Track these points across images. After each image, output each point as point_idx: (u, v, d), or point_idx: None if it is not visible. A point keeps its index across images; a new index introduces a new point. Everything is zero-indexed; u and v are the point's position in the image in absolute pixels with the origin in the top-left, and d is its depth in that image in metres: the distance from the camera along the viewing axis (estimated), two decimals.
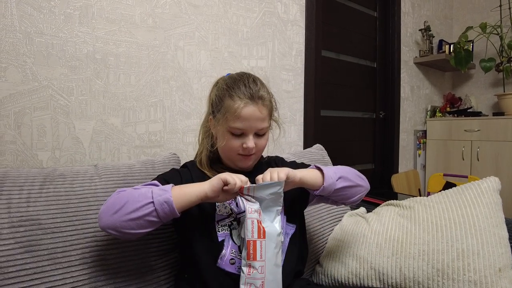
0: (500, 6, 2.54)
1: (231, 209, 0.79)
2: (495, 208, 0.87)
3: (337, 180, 0.80)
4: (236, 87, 0.80)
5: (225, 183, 0.69)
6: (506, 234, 0.84)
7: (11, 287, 0.63)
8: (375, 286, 0.88)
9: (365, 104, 2.38)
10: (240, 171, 0.80)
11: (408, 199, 1.05)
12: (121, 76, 1.18)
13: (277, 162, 0.98)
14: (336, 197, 0.83)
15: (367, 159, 2.42)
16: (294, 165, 0.96)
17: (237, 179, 0.69)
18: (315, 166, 0.83)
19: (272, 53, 1.64)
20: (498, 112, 2.52)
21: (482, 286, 0.76)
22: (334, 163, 1.37)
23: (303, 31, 1.78)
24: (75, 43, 1.08)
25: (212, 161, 0.87)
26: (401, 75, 2.50)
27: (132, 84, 1.21)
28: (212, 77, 1.40)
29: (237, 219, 0.78)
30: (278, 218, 0.72)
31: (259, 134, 0.81)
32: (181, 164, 1.01)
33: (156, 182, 0.75)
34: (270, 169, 0.75)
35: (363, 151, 2.38)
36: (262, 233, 0.67)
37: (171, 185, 0.70)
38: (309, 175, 0.79)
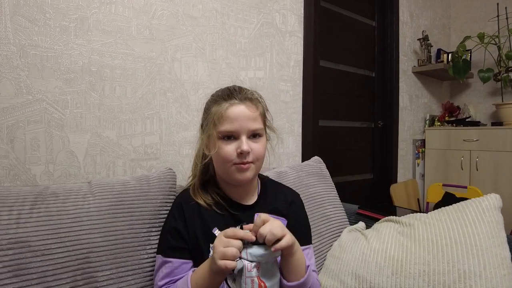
0: (498, 16, 2.55)
1: None
2: (496, 227, 0.85)
3: None
4: (221, 93, 0.79)
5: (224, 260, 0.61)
6: (508, 255, 0.82)
7: None
8: None
9: (363, 114, 2.37)
10: (241, 206, 0.77)
11: (407, 215, 1.04)
12: (117, 88, 1.17)
13: (292, 201, 0.88)
14: None
15: (365, 169, 2.41)
16: (306, 222, 0.90)
17: (230, 250, 0.60)
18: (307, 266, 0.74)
19: (270, 64, 1.63)
20: (497, 122, 2.52)
21: None
22: (333, 174, 1.36)
23: (301, 42, 1.78)
24: (71, 56, 1.07)
25: (207, 185, 0.83)
26: (400, 84, 2.50)
27: (128, 96, 1.19)
28: (210, 88, 1.39)
29: None
30: (276, 264, 0.67)
31: (253, 138, 0.76)
32: (176, 179, 0.99)
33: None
34: (277, 224, 0.64)
35: (362, 161, 2.37)
36: None
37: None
38: (299, 263, 0.71)
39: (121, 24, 1.17)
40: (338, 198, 1.27)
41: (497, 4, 2.57)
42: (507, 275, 0.78)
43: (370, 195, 2.40)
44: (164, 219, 0.85)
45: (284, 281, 0.69)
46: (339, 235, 1.13)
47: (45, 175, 1.04)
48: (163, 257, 0.74)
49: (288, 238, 0.64)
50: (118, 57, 1.16)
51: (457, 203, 0.98)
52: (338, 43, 2.14)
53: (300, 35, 1.77)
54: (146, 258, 0.81)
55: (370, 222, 1.20)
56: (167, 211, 0.87)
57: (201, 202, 0.78)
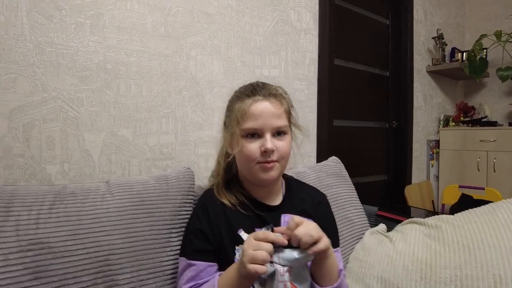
0: None
1: None
2: None
3: None
4: (244, 89, 0.76)
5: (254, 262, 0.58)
6: None
7: None
8: None
9: (377, 114, 2.33)
10: (267, 207, 0.74)
11: (433, 217, 1.00)
12: (132, 86, 1.15)
13: (319, 202, 0.84)
14: None
15: (379, 170, 2.36)
16: (333, 223, 0.86)
17: (261, 254, 0.57)
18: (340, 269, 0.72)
19: (285, 62, 1.60)
20: None
21: None
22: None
23: (316, 40, 1.75)
24: (86, 53, 1.05)
25: (230, 184, 0.80)
26: (414, 84, 2.45)
27: (144, 94, 1.17)
28: (225, 87, 1.36)
29: None
30: (307, 268, 0.64)
31: (278, 135, 0.73)
32: (195, 179, 0.96)
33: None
34: (313, 226, 0.62)
35: (376, 161, 2.33)
36: None
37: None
38: (332, 266, 0.67)
39: (137, 21, 1.15)
40: (358, 199, 1.24)
41: None
42: None
43: (385, 196, 2.35)
44: (184, 220, 0.82)
45: (317, 286, 0.66)
46: (361, 238, 1.09)
47: (60, 175, 1.02)
48: (187, 259, 0.71)
49: (325, 240, 0.61)
50: (133, 54, 1.14)
51: (486, 205, 0.94)
52: (352, 42, 2.10)
53: (315, 33, 1.74)
54: (167, 261, 0.78)
55: (391, 224, 1.16)
56: (187, 212, 0.85)
57: (226, 202, 0.75)
